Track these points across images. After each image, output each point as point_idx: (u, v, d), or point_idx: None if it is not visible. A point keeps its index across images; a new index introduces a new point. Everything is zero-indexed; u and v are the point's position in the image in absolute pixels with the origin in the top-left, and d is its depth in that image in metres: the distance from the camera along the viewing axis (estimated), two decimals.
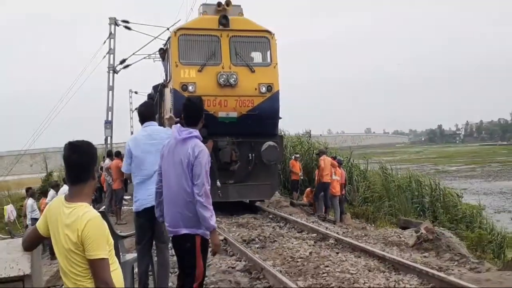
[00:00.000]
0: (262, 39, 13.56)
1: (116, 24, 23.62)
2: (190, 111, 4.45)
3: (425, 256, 8.86)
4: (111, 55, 24.02)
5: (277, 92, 13.16)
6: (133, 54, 23.76)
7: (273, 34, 13.51)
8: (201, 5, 14.03)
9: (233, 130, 12.81)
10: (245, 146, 13.13)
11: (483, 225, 16.21)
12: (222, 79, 12.67)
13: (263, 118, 12.83)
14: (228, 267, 7.71)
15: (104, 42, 24.01)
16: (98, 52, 24.39)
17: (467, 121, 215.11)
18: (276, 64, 13.32)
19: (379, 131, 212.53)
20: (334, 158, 15.92)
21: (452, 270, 7.53)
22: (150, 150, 5.33)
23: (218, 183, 12.23)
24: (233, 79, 12.75)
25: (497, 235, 14.46)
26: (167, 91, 14.11)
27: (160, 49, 15.26)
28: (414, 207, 17.36)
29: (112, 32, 23.84)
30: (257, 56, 13.97)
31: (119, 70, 24.25)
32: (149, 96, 23.82)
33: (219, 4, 13.14)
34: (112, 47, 24.00)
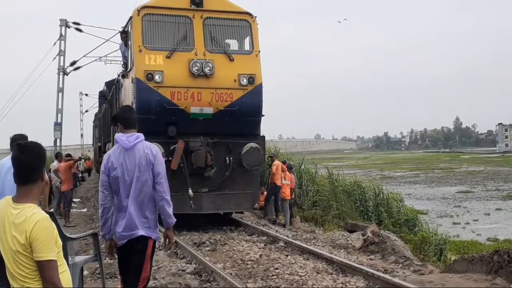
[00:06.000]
0: (242, 22, 11.61)
1: (67, 26, 23.29)
2: (129, 114, 4.44)
3: (371, 259, 9.13)
4: (61, 57, 23.78)
5: (260, 85, 11.36)
6: (84, 56, 23.70)
7: (255, 17, 11.65)
8: None
9: (208, 129, 11.03)
10: (222, 148, 11.27)
11: (425, 228, 16.83)
12: (196, 68, 10.77)
13: (243, 115, 11.09)
14: (179, 270, 7.66)
15: (54, 44, 23.63)
16: (48, 53, 24.13)
17: (412, 129, 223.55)
18: (259, 52, 11.51)
19: (328, 137, 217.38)
20: (284, 162, 16.11)
21: (397, 272, 7.79)
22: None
23: (190, 192, 10.49)
24: (209, 68, 10.85)
25: (438, 238, 15.03)
26: (128, 82, 12.00)
27: (122, 32, 12.61)
28: (359, 210, 17.83)
29: (63, 33, 23.57)
30: (235, 43, 12.02)
31: (69, 72, 23.97)
32: (101, 93, 23.27)
33: None
34: (62, 48, 23.67)
